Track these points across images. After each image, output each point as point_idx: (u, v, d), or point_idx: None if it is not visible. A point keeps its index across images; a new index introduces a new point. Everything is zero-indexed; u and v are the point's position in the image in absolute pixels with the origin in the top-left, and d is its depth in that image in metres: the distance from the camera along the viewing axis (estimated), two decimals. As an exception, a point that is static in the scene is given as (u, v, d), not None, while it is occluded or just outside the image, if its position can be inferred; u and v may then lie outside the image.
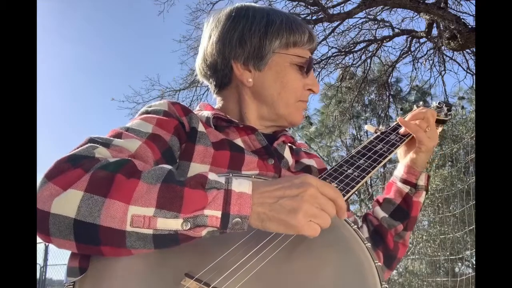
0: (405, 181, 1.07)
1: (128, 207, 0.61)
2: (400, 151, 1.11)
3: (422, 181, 1.07)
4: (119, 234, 0.61)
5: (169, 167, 0.69)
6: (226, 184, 0.65)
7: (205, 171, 0.69)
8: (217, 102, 1.04)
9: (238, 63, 0.96)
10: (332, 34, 7.65)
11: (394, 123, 1.09)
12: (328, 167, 0.96)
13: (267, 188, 0.67)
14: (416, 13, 7.21)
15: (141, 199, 0.62)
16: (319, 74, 7.86)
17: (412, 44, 8.09)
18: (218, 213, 0.63)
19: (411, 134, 1.04)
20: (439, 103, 1.16)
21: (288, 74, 0.95)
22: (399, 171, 1.09)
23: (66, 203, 0.61)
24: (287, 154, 1.01)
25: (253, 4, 1.01)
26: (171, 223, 0.62)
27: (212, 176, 0.67)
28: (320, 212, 0.65)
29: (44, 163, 0.68)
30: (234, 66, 0.96)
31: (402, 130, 1.05)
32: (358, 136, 12.01)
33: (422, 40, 7.98)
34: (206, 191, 0.64)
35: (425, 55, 8.16)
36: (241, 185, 0.66)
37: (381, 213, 1.07)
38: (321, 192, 0.66)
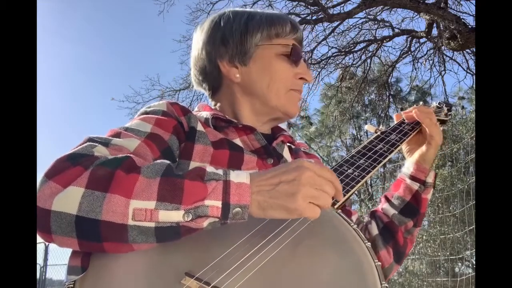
0: (414, 178, 1.09)
1: (129, 201, 0.62)
2: (406, 150, 1.13)
3: (430, 179, 1.09)
4: (121, 229, 0.62)
5: (167, 161, 0.69)
6: (224, 176, 0.66)
7: (203, 165, 0.70)
8: (213, 106, 1.05)
9: (224, 61, 0.97)
10: (332, 34, 7.66)
11: (395, 123, 1.09)
12: (328, 167, 0.96)
13: (263, 176, 0.68)
14: (416, 13, 7.21)
15: (142, 193, 0.62)
16: (319, 74, 7.85)
17: (412, 44, 8.09)
18: (219, 203, 0.64)
19: (411, 134, 1.04)
20: (439, 103, 1.17)
21: (274, 64, 0.97)
22: (408, 168, 1.11)
23: (67, 200, 0.62)
24: (286, 153, 1.01)
25: (236, 9, 1.04)
26: (173, 215, 0.62)
27: (210, 169, 0.67)
28: (319, 192, 0.66)
29: (44, 163, 0.68)
30: (220, 65, 0.98)
31: (405, 127, 1.07)
32: (358, 136, 12.03)
33: (422, 40, 7.98)
34: (205, 183, 0.65)
35: (425, 55, 8.17)
36: (239, 176, 0.66)
37: (391, 210, 1.08)
38: (317, 174, 0.67)
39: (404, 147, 1.13)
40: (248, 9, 1.07)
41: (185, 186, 0.63)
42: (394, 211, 1.08)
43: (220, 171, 0.67)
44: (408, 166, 1.11)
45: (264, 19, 0.97)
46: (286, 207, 0.65)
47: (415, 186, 1.08)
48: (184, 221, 0.63)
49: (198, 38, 1.03)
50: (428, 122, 1.05)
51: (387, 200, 1.11)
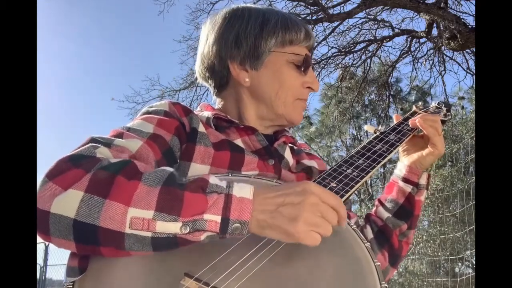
0: (407, 180, 1.07)
1: (127, 209, 0.61)
2: (403, 150, 1.11)
3: (423, 180, 1.07)
4: (118, 236, 0.61)
5: (170, 169, 0.69)
6: (227, 189, 0.65)
7: (206, 174, 0.69)
8: (217, 103, 1.04)
9: (234, 63, 0.95)
10: (332, 34, 7.66)
11: (394, 123, 1.09)
12: (328, 168, 0.95)
13: (268, 194, 0.67)
14: (416, 13, 7.21)
15: (141, 202, 0.62)
16: (319, 74, 7.86)
17: (412, 44, 8.10)
18: (218, 218, 0.63)
19: (410, 134, 1.04)
20: (438, 104, 1.16)
21: (285, 72, 0.95)
22: (401, 170, 1.09)
23: (66, 203, 0.61)
24: (287, 154, 1.01)
25: (249, 5, 1.01)
26: (170, 227, 0.62)
27: (213, 180, 0.67)
28: (321, 220, 0.65)
29: (45, 162, 0.68)
30: (230, 66, 0.96)
31: (404, 127, 1.05)
32: (358, 136, 12.03)
33: (422, 40, 7.99)
34: (206, 195, 0.64)
35: (425, 55, 8.17)
36: (242, 190, 0.65)
37: (385, 214, 1.07)
38: (322, 200, 0.66)
39: (400, 147, 1.11)
40: (262, 6, 1.04)
41: (185, 197, 0.63)
42: (388, 215, 1.07)
43: (224, 183, 0.66)
44: (401, 168, 1.09)
45: (280, 24, 0.94)
46: (285, 231, 0.64)
47: (408, 188, 1.06)
48: (182, 233, 0.62)
49: (208, 34, 0.99)
50: (431, 132, 1.01)
51: (381, 203, 1.10)
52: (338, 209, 0.68)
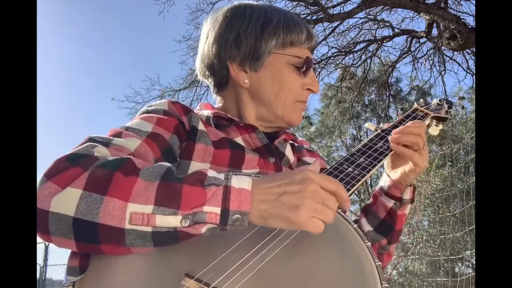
0: (390, 195, 1.03)
1: (127, 205, 0.61)
2: (388, 161, 1.04)
3: (407, 195, 1.03)
4: (118, 232, 0.61)
5: (168, 164, 0.69)
6: (225, 181, 0.65)
7: (204, 168, 0.69)
8: (217, 102, 1.04)
9: (234, 64, 0.95)
10: (332, 34, 7.66)
11: (395, 121, 1.08)
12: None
13: (267, 184, 0.66)
14: (416, 13, 7.21)
15: (140, 197, 0.62)
16: (319, 74, 7.86)
17: (412, 44, 8.10)
18: (217, 210, 0.63)
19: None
20: (439, 100, 1.16)
21: (285, 74, 0.94)
22: (385, 182, 1.05)
23: (65, 201, 0.61)
24: (288, 152, 1.01)
25: (251, 2, 1.00)
26: (170, 220, 0.62)
27: (211, 173, 0.67)
28: (322, 207, 0.65)
29: (45, 162, 0.68)
30: (230, 67, 0.95)
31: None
32: (358, 136, 12.03)
33: (422, 40, 7.99)
34: (205, 188, 0.64)
35: (425, 55, 8.17)
36: (240, 182, 0.66)
37: (366, 227, 1.05)
38: (322, 187, 0.66)
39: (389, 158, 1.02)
40: (264, 3, 1.03)
41: (183, 191, 0.63)
42: (369, 228, 1.04)
43: (222, 176, 0.66)
44: (385, 180, 1.05)
45: (281, 25, 0.92)
46: (288, 219, 0.64)
47: (390, 203, 1.03)
48: (182, 226, 0.62)
49: (209, 32, 0.98)
50: (407, 153, 0.93)
51: (365, 214, 1.07)
52: (339, 192, 0.68)
